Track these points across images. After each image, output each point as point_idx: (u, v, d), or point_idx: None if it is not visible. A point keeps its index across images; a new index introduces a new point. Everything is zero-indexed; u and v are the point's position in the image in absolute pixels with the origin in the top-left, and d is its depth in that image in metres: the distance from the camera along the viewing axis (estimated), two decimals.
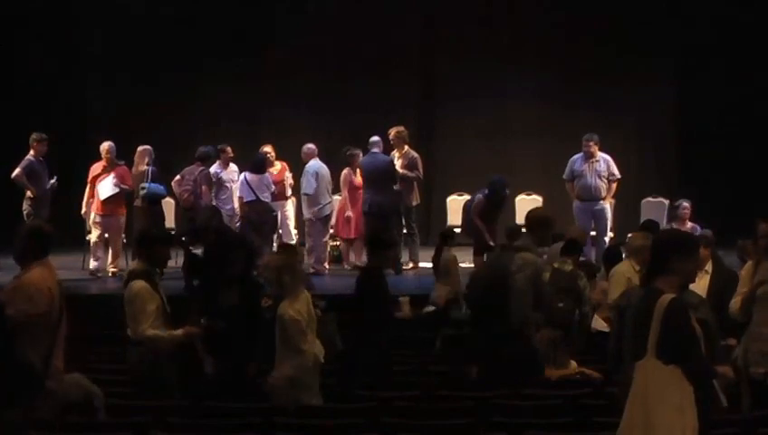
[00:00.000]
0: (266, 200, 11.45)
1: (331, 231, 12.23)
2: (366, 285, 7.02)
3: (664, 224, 11.39)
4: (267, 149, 12.12)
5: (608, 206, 11.67)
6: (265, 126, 14.27)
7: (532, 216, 7.73)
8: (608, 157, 11.69)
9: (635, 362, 4.38)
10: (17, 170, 11.35)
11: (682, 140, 14.27)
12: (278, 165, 12.19)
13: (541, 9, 14.26)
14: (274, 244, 11.57)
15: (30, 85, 14.17)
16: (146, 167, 11.43)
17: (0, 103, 14.09)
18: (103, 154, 11.45)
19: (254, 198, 11.35)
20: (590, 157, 11.59)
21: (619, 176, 11.68)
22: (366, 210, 11.55)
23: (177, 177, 11.65)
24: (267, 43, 14.41)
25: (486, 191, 10.77)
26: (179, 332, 6.21)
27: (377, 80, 14.19)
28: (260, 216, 11.36)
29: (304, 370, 6.13)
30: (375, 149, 11.69)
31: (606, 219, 11.61)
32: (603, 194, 11.57)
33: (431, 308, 9.34)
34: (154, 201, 11.34)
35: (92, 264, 11.56)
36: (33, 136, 11.52)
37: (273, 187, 11.65)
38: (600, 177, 11.56)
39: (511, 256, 7.17)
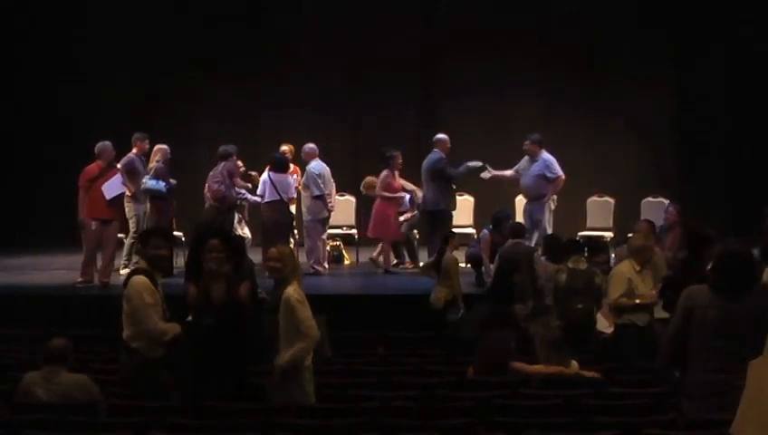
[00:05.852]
0: (287, 201, 11.46)
1: (333, 232, 12.19)
2: None
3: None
4: (285, 148, 12.03)
5: (541, 205, 11.36)
6: (265, 126, 14.27)
7: None
8: (549, 157, 11.48)
9: (747, 361, 4.41)
10: (117, 166, 10.96)
11: (682, 140, 14.27)
12: (290, 166, 12.09)
13: (541, 9, 14.25)
14: (291, 244, 11.49)
15: (30, 87, 14.17)
16: (154, 164, 11.29)
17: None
18: (105, 154, 10.79)
19: (277, 197, 11.30)
20: (530, 156, 11.49)
21: (556, 175, 11.36)
22: (420, 208, 11.71)
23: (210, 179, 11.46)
24: (267, 44, 14.40)
25: (491, 226, 10.73)
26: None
27: (377, 80, 14.19)
28: (281, 216, 11.32)
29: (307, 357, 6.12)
30: (435, 148, 11.71)
31: (536, 219, 11.29)
32: (536, 194, 11.39)
33: None
34: (153, 196, 11.06)
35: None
36: (137, 135, 11.23)
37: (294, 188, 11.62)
38: (534, 177, 11.40)
39: None
